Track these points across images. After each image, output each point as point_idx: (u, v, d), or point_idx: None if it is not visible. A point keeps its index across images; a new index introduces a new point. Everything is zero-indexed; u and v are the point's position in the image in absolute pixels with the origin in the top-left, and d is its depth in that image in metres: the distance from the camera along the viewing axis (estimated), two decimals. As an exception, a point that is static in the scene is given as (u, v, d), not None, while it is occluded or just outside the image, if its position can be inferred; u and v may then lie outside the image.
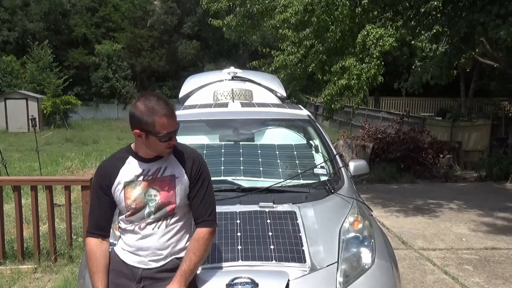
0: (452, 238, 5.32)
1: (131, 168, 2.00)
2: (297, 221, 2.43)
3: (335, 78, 10.09)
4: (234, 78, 4.62)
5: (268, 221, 2.43)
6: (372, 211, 3.05)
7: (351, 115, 17.19)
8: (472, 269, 4.37)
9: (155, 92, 2.02)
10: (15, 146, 14.23)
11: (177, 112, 3.67)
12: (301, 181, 2.95)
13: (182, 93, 4.74)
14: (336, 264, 2.22)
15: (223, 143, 3.44)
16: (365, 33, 9.63)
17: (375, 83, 10.34)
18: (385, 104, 22.14)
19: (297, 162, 3.17)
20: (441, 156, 10.02)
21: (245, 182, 2.91)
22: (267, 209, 2.53)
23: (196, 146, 3.33)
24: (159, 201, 1.98)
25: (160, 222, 2.00)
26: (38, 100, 20.95)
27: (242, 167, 3.04)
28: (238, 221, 2.42)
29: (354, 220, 2.52)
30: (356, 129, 15.69)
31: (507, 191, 8.15)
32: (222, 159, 3.11)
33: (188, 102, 4.51)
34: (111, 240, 2.10)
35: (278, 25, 11.24)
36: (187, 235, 2.09)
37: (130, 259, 2.02)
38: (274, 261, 2.16)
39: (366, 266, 2.23)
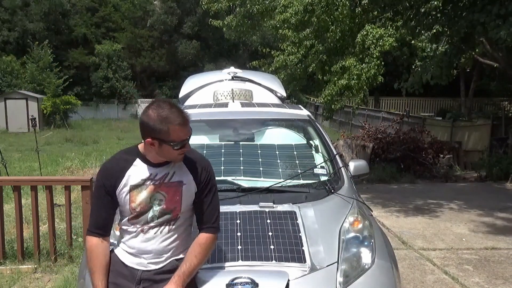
0: (452, 238, 5.32)
1: (138, 171, 1.97)
2: (297, 221, 2.43)
3: (335, 78, 10.09)
4: (234, 78, 4.62)
5: (268, 221, 2.43)
6: (372, 211, 3.05)
7: (351, 115, 17.19)
8: (472, 269, 4.37)
9: (167, 100, 1.97)
10: (15, 146, 14.23)
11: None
12: (301, 181, 2.95)
13: (182, 93, 4.74)
14: (336, 264, 2.22)
15: (223, 143, 3.44)
16: (365, 33, 9.63)
17: (375, 83, 10.35)
18: (385, 104, 22.15)
19: (297, 162, 3.17)
20: (441, 156, 10.01)
21: (245, 182, 2.91)
22: (267, 209, 2.53)
23: (196, 146, 3.34)
24: (164, 207, 1.96)
25: (162, 227, 1.99)
26: (38, 100, 20.95)
27: (242, 167, 3.04)
28: (238, 221, 2.42)
29: (354, 220, 2.52)
30: (356, 129, 15.69)
31: (507, 191, 8.15)
32: (222, 159, 3.11)
33: (188, 102, 4.51)
34: (111, 240, 2.10)
35: (278, 25, 11.24)
36: (188, 238, 2.09)
37: (130, 261, 2.02)
38: (274, 261, 2.16)
39: (366, 266, 2.23)
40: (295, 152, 3.28)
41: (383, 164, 9.41)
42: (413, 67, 12.21)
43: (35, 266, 4.15)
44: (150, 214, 1.97)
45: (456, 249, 4.93)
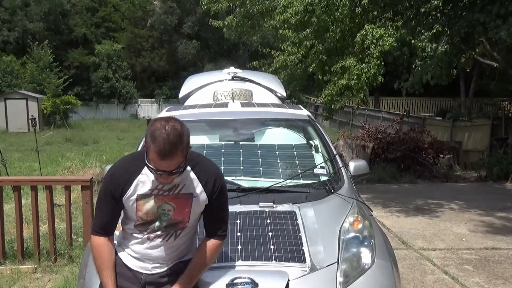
0: (452, 238, 5.32)
1: (146, 180, 1.90)
2: (297, 221, 2.43)
3: (335, 78, 10.09)
4: (234, 78, 4.62)
5: (268, 221, 2.43)
6: (372, 211, 3.05)
7: (351, 115, 17.19)
8: (472, 269, 4.37)
9: (176, 121, 1.80)
10: (15, 146, 14.23)
11: (177, 112, 3.71)
12: (301, 181, 2.95)
13: (182, 93, 4.74)
14: (336, 264, 2.22)
15: (223, 143, 3.43)
16: (364, 32, 9.64)
17: (375, 83, 10.34)
18: (385, 104, 22.14)
19: (297, 162, 3.17)
20: (441, 156, 10.01)
21: (245, 182, 2.91)
22: (267, 209, 2.53)
23: (196, 146, 3.34)
24: (172, 217, 1.93)
25: (169, 236, 1.97)
26: (38, 100, 20.95)
27: (242, 167, 3.04)
28: (238, 221, 2.42)
29: (354, 220, 2.52)
30: (356, 129, 15.69)
31: (507, 191, 8.15)
32: (222, 159, 3.11)
33: (188, 102, 4.52)
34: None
35: (278, 26, 11.24)
36: (193, 239, 2.09)
37: (133, 264, 2.01)
38: (274, 261, 2.16)
39: (366, 266, 2.23)
40: (295, 152, 3.28)
41: (383, 164, 9.40)
42: (413, 66, 12.22)
43: (35, 266, 4.15)
44: (157, 223, 1.93)
45: (456, 249, 4.93)
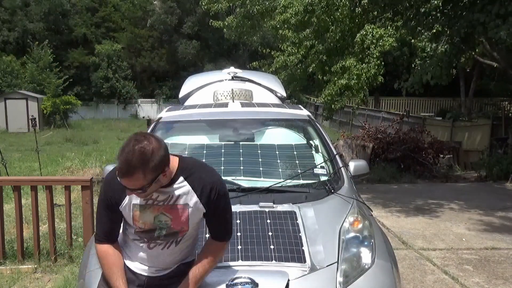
0: (452, 238, 5.32)
1: None
2: (297, 221, 2.43)
3: (335, 78, 10.08)
4: (234, 78, 4.62)
5: (268, 221, 2.43)
6: (372, 211, 3.05)
7: (351, 115, 17.19)
8: (472, 269, 4.37)
9: (151, 142, 1.70)
10: (15, 146, 14.23)
11: (177, 112, 3.71)
12: (301, 181, 2.95)
13: (182, 93, 4.74)
14: (336, 264, 2.22)
15: (223, 143, 3.43)
16: (364, 32, 9.64)
17: (375, 83, 10.34)
18: (385, 104, 22.14)
19: (297, 162, 3.17)
20: (441, 156, 10.01)
21: (245, 182, 2.90)
22: (267, 209, 2.53)
23: (196, 146, 3.34)
24: (171, 227, 1.90)
25: (170, 243, 1.95)
26: (38, 100, 20.96)
27: (242, 167, 3.04)
28: (238, 221, 2.42)
29: (354, 220, 2.52)
30: (356, 129, 15.69)
31: (507, 191, 8.15)
32: (222, 159, 3.11)
33: (188, 102, 4.52)
34: None
35: (278, 26, 11.24)
36: (195, 242, 2.08)
37: (135, 266, 2.01)
38: (274, 261, 2.16)
39: (366, 266, 2.23)
40: (295, 152, 3.28)
41: (383, 164, 9.40)
42: (413, 66, 12.21)
43: (35, 266, 4.15)
44: (156, 232, 1.91)
45: (456, 249, 4.93)
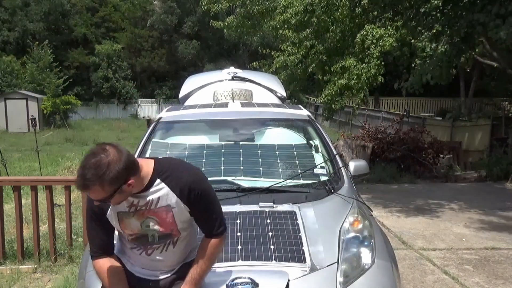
0: (452, 238, 5.32)
1: None
2: (297, 221, 2.43)
3: (335, 78, 10.08)
4: (234, 78, 4.63)
5: (268, 221, 2.43)
6: (372, 211, 3.05)
7: (351, 115, 17.19)
8: (472, 269, 4.37)
9: (109, 155, 1.64)
10: (15, 146, 14.23)
11: (177, 112, 3.71)
12: (301, 181, 2.95)
13: (182, 93, 4.75)
14: (336, 264, 2.22)
15: (223, 143, 3.43)
16: (364, 32, 9.63)
17: (375, 83, 10.33)
18: (385, 104, 22.15)
19: (297, 162, 3.17)
20: (441, 156, 10.00)
21: (245, 182, 2.90)
22: (267, 209, 2.53)
23: (196, 146, 3.34)
24: (160, 229, 1.88)
25: (166, 245, 1.94)
26: (38, 100, 20.96)
27: (242, 167, 3.04)
28: (238, 221, 2.42)
29: (354, 220, 2.52)
30: (356, 129, 15.69)
31: (507, 191, 8.15)
32: (222, 159, 3.11)
33: (188, 102, 4.52)
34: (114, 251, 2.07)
35: (278, 26, 11.22)
36: (195, 237, 2.08)
37: (137, 271, 2.00)
38: (274, 261, 2.16)
39: (366, 266, 2.23)
40: (295, 152, 3.27)
41: (383, 164, 9.40)
42: (413, 66, 12.21)
43: (35, 266, 4.15)
44: (149, 238, 1.89)
45: (456, 249, 4.93)
